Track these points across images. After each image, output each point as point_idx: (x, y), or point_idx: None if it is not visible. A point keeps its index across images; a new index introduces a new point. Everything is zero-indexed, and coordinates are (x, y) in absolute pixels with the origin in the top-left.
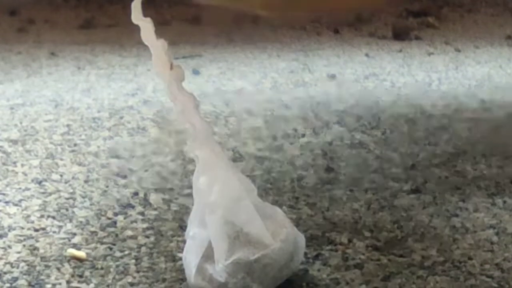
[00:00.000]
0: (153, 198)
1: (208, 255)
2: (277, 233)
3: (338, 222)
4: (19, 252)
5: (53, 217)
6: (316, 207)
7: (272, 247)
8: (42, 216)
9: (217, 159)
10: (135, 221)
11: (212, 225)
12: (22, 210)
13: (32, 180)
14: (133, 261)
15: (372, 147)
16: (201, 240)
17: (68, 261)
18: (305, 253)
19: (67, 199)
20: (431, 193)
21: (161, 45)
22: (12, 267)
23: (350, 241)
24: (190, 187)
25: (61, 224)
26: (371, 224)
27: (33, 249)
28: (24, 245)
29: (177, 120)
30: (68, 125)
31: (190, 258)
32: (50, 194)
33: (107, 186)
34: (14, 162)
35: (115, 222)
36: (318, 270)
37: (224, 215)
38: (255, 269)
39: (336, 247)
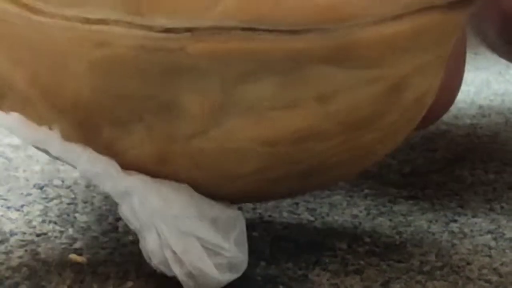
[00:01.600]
0: None
1: (213, 253)
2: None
3: (337, 228)
4: (20, 257)
5: (55, 222)
6: (316, 213)
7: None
8: (43, 221)
9: (146, 178)
10: None
11: (199, 229)
12: (24, 215)
13: (34, 186)
14: (134, 266)
15: None
16: (199, 246)
17: (70, 266)
18: (305, 259)
19: (69, 204)
20: (429, 199)
21: (18, 117)
22: (14, 272)
23: (349, 246)
24: None
25: (62, 229)
26: (370, 229)
27: (35, 254)
28: (25, 250)
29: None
30: None
31: (204, 269)
32: (52, 199)
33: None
34: (16, 168)
35: (116, 228)
36: (318, 275)
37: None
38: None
39: (336, 253)
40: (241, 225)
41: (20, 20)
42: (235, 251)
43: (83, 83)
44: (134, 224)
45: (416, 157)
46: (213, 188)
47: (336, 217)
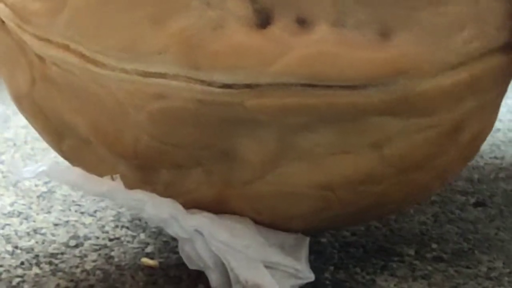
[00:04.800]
0: None
1: (287, 275)
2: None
3: (405, 234)
4: (94, 261)
5: (127, 228)
6: (384, 220)
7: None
8: (116, 226)
9: (211, 215)
10: None
11: (270, 255)
12: (97, 221)
13: None
14: None
15: None
16: (268, 274)
17: (142, 269)
18: (373, 264)
19: None
20: (497, 206)
21: (80, 173)
22: (88, 274)
23: (417, 252)
24: None
25: (134, 234)
26: (438, 236)
27: (108, 258)
28: (99, 254)
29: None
30: None
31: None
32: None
33: None
34: None
35: None
36: (386, 280)
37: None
38: None
39: (403, 258)
40: (307, 245)
41: (80, 70)
42: (307, 271)
43: (142, 131)
44: (197, 264)
45: (484, 164)
46: (270, 227)
47: (404, 224)
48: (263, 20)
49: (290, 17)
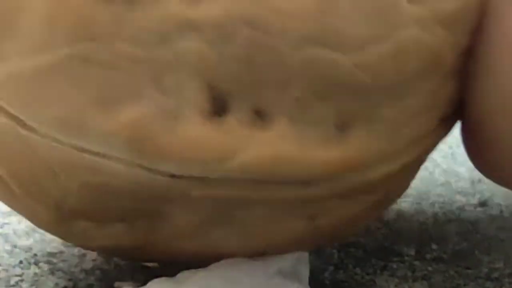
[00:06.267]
0: None
1: None
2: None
3: (405, 235)
4: (94, 260)
5: None
6: (384, 220)
7: None
8: None
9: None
10: None
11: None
12: None
13: None
14: None
15: (439, 161)
16: None
17: (141, 269)
18: (373, 264)
19: None
20: (497, 206)
21: None
22: (87, 274)
23: (417, 253)
24: None
25: None
26: (438, 236)
27: (108, 258)
28: (98, 254)
29: None
30: None
31: None
32: None
33: None
34: None
35: None
36: (386, 281)
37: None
38: None
39: (404, 259)
40: (307, 263)
41: (7, 129)
42: None
43: (71, 196)
44: None
45: None
46: None
47: (404, 224)
48: (219, 108)
49: (247, 106)
